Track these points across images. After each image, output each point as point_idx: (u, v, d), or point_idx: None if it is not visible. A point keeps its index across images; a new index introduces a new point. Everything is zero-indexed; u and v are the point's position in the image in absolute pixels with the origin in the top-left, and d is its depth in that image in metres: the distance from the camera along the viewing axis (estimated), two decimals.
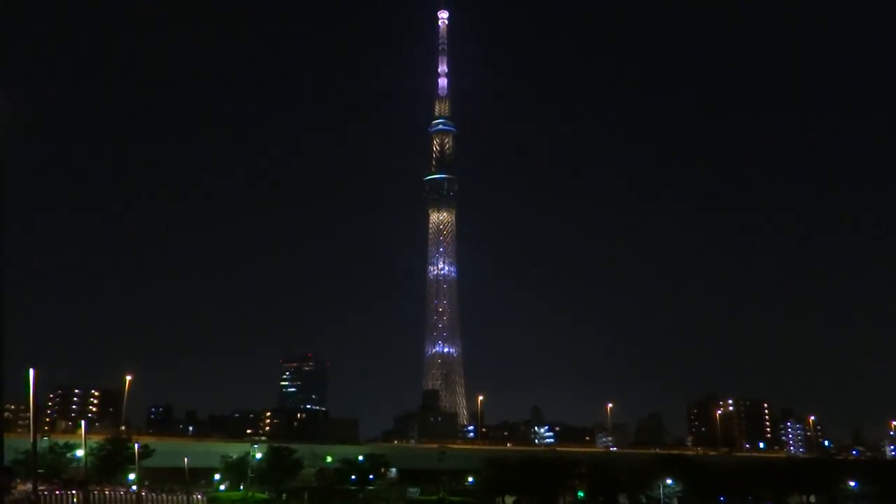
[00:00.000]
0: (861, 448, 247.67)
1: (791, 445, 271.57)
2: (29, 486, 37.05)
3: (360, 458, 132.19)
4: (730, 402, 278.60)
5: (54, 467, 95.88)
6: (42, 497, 39.28)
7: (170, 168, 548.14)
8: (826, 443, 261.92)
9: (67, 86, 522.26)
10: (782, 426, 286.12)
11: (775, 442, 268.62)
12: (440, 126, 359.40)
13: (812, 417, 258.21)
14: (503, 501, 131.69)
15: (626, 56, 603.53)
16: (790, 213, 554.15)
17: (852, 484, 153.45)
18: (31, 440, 41.11)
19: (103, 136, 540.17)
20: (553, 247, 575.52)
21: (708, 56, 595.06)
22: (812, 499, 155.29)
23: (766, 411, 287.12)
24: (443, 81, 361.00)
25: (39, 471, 54.29)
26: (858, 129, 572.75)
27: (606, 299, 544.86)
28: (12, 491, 35.54)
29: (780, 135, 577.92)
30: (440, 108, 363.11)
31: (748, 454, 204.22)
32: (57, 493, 47.28)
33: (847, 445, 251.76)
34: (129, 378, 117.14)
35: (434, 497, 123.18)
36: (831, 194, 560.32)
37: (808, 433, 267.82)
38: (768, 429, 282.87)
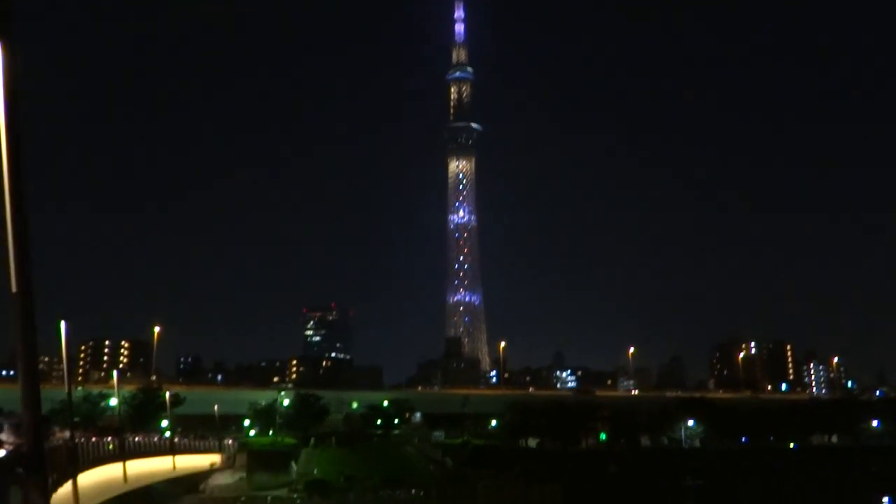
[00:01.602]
0: (885, 388, 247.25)
1: (814, 387, 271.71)
2: (67, 433, 38.17)
3: (385, 403, 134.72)
4: (752, 344, 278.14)
5: (89, 416, 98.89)
6: (80, 444, 40.41)
7: (195, 126, 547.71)
8: (850, 384, 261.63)
9: (109, 43, 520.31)
10: (805, 368, 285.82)
11: (798, 384, 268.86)
12: (458, 73, 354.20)
13: (836, 359, 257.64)
14: (526, 444, 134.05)
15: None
16: (809, 156, 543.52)
17: (875, 423, 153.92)
18: (67, 390, 42.21)
19: (135, 97, 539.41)
20: (574, 192, 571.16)
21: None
22: (834, 438, 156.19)
23: (790, 353, 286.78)
24: (459, 27, 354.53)
25: (76, 419, 55.89)
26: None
27: (628, 244, 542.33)
28: (51, 438, 36.75)
29: (795, 91, 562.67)
30: (457, 54, 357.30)
31: (771, 396, 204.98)
32: (94, 440, 48.62)
33: (871, 386, 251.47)
34: (157, 329, 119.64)
35: (458, 440, 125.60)
36: (847, 136, 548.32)
37: (832, 374, 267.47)
38: (791, 371, 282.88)
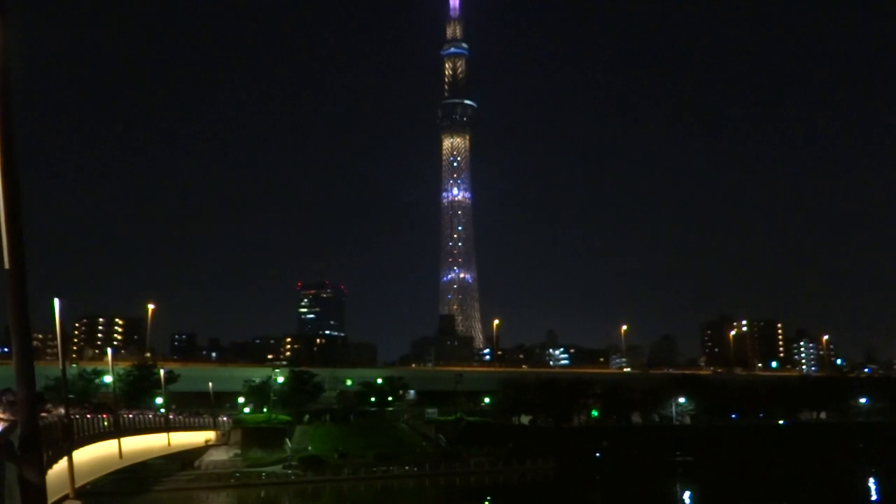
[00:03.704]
0: (874, 366, 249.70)
1: (804, 365, 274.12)
2: (61, 410, 38.30)
3: (379, 380, 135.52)
4: (743, 322, 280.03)
5: (84, 393, 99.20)
6: (74, 421, 40.57)
7: (188, 99, 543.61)
8: (839, 361, 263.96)
9: (90, 21, 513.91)
10: (796, 346, 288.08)
11: (788, 362, 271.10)
12: (452, 49, 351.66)
13: (825, 337, 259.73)
14: (519, 421, 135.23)
15: None
16: (801, 130, 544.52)
17: (863, 400, 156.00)
18: (61, 367, 42.28)
19: (124, 67, 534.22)
20: (567, 170, 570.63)
21: None
22: (823, 415, 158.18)
23: (780, 332, 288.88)
24: (454, 2, 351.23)
25: (70, 396, 56.04)
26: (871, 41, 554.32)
27: (621, 222, 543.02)
28: (45, 415, 36.91)
29: (789, 50, 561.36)
30: (452, 30, 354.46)
31: (761, 373, 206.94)
32: (88, 416, 48.77)
33: (860, 364, 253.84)
34: (151, 307, 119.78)
35: (452, 417, 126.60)
36: (839, 110, 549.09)
37: (822, 352, 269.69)
38: (781, 349, 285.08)
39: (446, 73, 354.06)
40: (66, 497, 32.75)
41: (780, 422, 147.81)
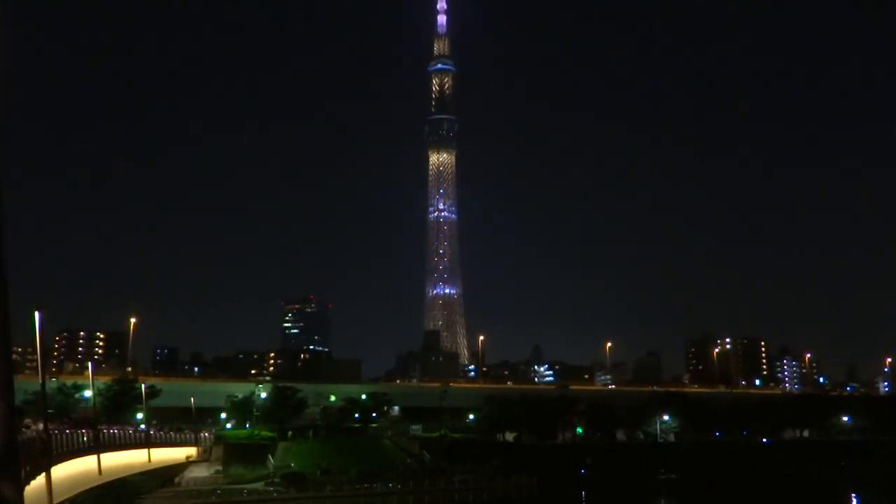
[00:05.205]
0: (855, 384, 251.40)
1: (787, 382, 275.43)
2: (40, 425, 37.73)
3: (363, 396, 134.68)
4: (727, 340, 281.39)
5: (64, 408, 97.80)
6: (53, 436, 39.96)
7: (172, 112, 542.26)
8: (821, 380, 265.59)
9: (85, 23, 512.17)
10: (779, 364, 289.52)
11: (771, 379, 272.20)
12: (439, 66, 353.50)
13: (808, 355, 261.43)
14: (504, 437, 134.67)
15: None
16: (784, 152, 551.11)
17: (845, 419, 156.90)
18: (41, 381, 41.62)
19: (109, 80, 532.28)
20: (554, 189, 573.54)
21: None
22: (806, 433, 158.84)
23: (763, 349, 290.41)
24: (442, 19, 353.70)
25: (49, 411, 55.25)
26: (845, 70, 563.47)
27: (606, 240, 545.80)
28: (24, 430, 36.33)
29: (772, 73, 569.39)
30: (439, 46, 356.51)
31: (744, 391, 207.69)
32: (67, 432, 48.10)
33: (841, 382, 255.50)
34: (133, 321, 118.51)
35: (436, 434, 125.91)
36: (823, 132, 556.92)
37: (804, 370, 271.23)
38: (765, 367, 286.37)
39: (433, 88, 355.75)
40: None
41: (764, 439, 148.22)
